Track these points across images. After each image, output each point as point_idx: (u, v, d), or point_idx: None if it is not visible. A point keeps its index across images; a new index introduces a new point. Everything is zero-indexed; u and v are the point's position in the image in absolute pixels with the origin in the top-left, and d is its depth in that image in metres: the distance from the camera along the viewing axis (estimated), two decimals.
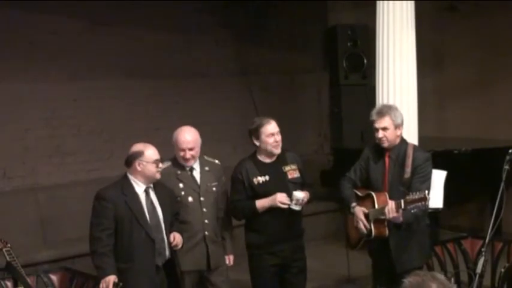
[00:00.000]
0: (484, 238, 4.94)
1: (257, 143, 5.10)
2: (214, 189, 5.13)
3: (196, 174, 5.11)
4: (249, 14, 8.87)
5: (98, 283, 4.54)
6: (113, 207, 4.59)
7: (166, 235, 4.74)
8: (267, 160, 5.12)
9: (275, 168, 5.10)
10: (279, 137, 5.06)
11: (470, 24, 8.67)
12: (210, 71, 8.62)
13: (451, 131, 8.88)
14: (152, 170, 4.68)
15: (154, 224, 4.69)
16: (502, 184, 4.65)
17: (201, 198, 5.05)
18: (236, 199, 5.12)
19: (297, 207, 4.99)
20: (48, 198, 7.35)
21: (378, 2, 6.26)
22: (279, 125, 5.11)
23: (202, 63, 8.57)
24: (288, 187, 5.05)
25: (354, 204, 5.10)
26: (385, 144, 5.02)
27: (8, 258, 4.93)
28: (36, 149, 7.46)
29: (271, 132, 5.04)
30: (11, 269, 4.92)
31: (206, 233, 5.06)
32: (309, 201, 5.14)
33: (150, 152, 4.70)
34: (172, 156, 5.14)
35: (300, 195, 4.96)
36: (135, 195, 4.68)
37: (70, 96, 7.66)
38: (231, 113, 8.77)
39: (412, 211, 4.74)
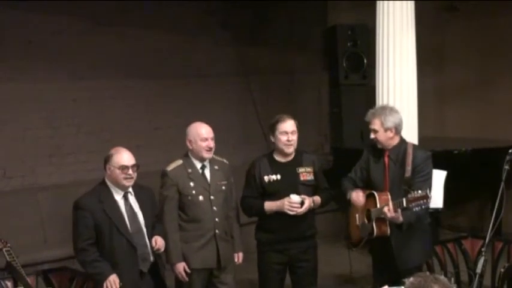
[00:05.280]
0: (484, 238, 4.96)
1: (272, 139, 5.14)
2: (223, 187, 5.14)
3: (207, 172, 5.11)
4: (249, 14, 8.87)
5: (97, 283, 4.53)
6: (91, 215, 4.49)
7: (149, 239, 4.65)
8: (282, 159, 5.14)
9: (288, 168, 5.11)
10: (292, 137, 5.06)
11: (470, 24, 8.67)
12: (210, 71, 8.61)
13: (451, 131, 8.88)
14: (118, 176, 4.55)
15: (136, 231, 4.61)
16: (502, 184, 4.65)
17: (211, 197, 5.06)
18: (247, 195, 5.18)
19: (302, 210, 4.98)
20: (48, 198, 7.34)
21: (377, 2, 6.26)
22: None
23: (202, 63, 8.56)
24: (298, 188, 5.06)
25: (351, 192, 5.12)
26: (379, 145, 5.05)
27: (8, 258, 4.92)
28: (36, 149, 7.45)
29: (285, 130, 5.06)
30: (11, 269, 4.91)
31: (217, 231, 5.05)
32: (320, 206, 5.20)
33: (118, 157, 4.57)
34: (178, 156, 5.15)
35: (295, 198, 4.98)
36: (113, 202, 4.57)
37: (70, 96, 7.65)
38: (231, 113, 8.77)
39: (415, 209, 4.73)
